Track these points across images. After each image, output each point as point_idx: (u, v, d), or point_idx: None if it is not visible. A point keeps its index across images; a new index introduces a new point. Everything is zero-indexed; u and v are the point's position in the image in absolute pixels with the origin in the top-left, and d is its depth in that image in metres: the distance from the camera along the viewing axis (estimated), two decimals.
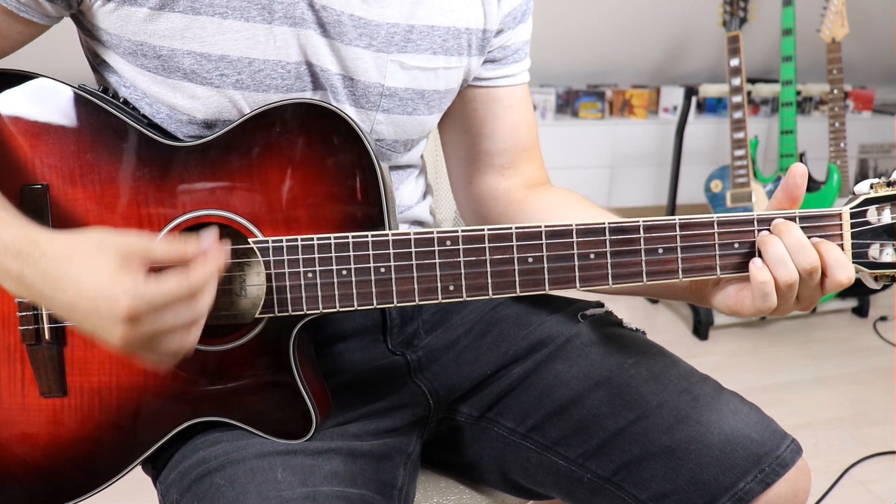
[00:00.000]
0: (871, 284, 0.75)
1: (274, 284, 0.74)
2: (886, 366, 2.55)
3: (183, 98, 0.77)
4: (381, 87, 0.82)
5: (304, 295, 0.74)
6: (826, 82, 2.67)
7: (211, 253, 0.67)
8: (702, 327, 2.70)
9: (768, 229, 0.73)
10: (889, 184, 0.73)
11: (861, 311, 2.92)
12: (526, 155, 0.97)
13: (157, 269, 0.66)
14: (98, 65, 0.82)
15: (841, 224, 0.73)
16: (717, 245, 0.73)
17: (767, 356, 2.62)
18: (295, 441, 0.78)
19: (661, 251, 0.73)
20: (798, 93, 2.79)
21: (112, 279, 0.62)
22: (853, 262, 0.73)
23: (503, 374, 0.92)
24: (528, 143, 0.97)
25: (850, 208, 0.73)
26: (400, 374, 0.91)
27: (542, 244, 0.73)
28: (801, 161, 2.63)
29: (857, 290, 2.78)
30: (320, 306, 0.74)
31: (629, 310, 2.96)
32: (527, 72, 0.96)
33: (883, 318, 2.88)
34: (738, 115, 2.57)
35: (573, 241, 0.73)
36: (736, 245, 0.73)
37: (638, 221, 0.73)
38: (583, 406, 0.86)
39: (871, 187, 0.73)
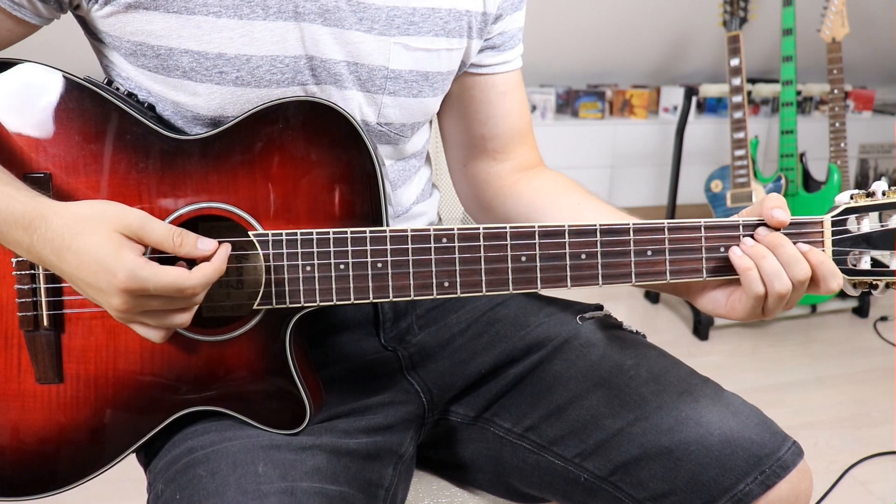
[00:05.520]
0: (850, 291, 0.78)
1: (273, 277, 0.75)
2: (886, 366, 2.55)
3: (185, 95, 0.78)
4: (385, 69, 0.83)
5: (301, 288, 0.75)
6: (826, 82, 2.67)
7: (215, 261, 0.71)
8: (702, 327, 2.70)
9: (751, 235, 0.76)
10: (868, 195, 0.76)
11: (861, 312, 2.92)
12: (518, 139, 0.99)
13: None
14: (103, 62, 0.84)
15: (822, 231, 0.76)
16: (703, 248, 0.76)
17: (767, 356, 2.62)
18: (289, 431, 0.79)
19: (649, 253, 0.76)
20: (798, 93, 2.79)
21: (111, 256, 0.67)
22: None
23: (500, 374, 0.91)
24: (521, 128, 0.99)
25: (832, 216, 0.76)
26: (391, 371, 0.91)
27: (535, 243, 0.75)
28: (801, 161, 2.65)
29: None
30: (317, 299, 0.75)
31: (629, 309, 2.96)
32: (520, 58, 0.99)
33: (883, 319, 2.88)
34: (738, 115, 2.56)
35: (565, 242, 0.75)
36: (722, 249, 0.76)
37: (628, 224, 0.76)
38: (581, 406, 0.86)
39: (852, 198, 0.77)
